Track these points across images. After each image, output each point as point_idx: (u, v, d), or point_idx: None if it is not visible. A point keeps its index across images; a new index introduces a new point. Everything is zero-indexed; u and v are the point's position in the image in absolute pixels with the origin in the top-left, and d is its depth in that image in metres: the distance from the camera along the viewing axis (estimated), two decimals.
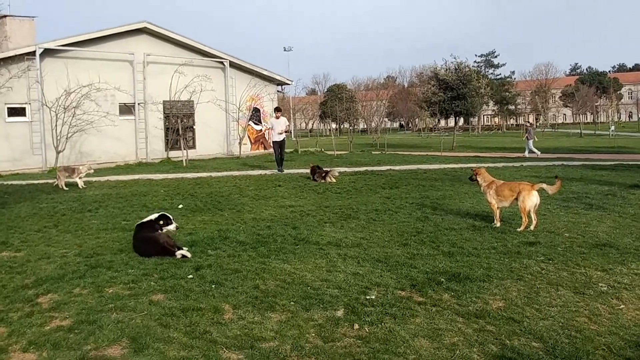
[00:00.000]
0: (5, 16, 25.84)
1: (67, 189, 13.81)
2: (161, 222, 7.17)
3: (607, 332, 4.26)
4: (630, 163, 18.77)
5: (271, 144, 19.27)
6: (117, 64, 24.72)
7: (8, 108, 21.91)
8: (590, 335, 4.19)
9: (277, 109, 19.79)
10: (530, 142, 26.06)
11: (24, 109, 22.36)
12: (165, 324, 4.53)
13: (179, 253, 6.77)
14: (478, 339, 4.18)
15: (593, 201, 10.30)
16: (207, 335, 4.30)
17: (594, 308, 4.77)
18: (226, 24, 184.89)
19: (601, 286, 5.33)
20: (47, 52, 22.51)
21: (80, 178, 14.28)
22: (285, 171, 18.03)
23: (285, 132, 18.82)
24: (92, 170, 14.92)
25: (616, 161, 19.74)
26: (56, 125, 22.06)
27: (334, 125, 79.45)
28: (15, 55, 21.51)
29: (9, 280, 5.89)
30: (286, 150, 19.38)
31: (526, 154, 25.47)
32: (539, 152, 25.41)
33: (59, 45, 22.92)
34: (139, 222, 7.34)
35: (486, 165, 18.36)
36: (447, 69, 35.37)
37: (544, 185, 8.09)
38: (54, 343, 4.20)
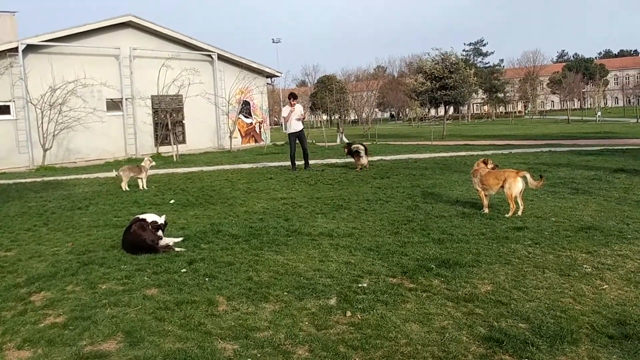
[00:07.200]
0: None
1: (128, 189, 12.69)
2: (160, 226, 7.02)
3: (591, 312, 4.36)
4: (616, 148, 19.00)
5: (287, 136, 16.28)
6: (102, 59, 24.47)
7: None
8: (575, 315, 4.29)
9: (292, 95, 16.10)
10: (342, 135, 32.11)
11: (8, 106, 22.08)
12: (160, 318, 4.57)
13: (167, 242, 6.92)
14: (467, 321, 4.27)
15: (579, 186, 10.44)
16: (202, 327, 4.34)
17: (579, 289, 4.87)
18: (213, 17, 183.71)
19: (585, 268, 5.43)
20: (30, 48, 22.20)
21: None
22: (276, 164, 17.96)
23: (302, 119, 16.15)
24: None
25: (602, 146, 19.94)
26: (42, 123, 21.81)
27: (324, 117, 79.28)
28: None
29: (0, 280, 5.88)
30: (277, 143, 18.34)
31: (344, 140, 30.02)
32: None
33: (42, 41, 22.62)
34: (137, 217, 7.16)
35: (475, 153, 18.53)
36: (432, 61, 35.36)
37: (528, 175, 8.16)
38: (49, 340, 4.21)
